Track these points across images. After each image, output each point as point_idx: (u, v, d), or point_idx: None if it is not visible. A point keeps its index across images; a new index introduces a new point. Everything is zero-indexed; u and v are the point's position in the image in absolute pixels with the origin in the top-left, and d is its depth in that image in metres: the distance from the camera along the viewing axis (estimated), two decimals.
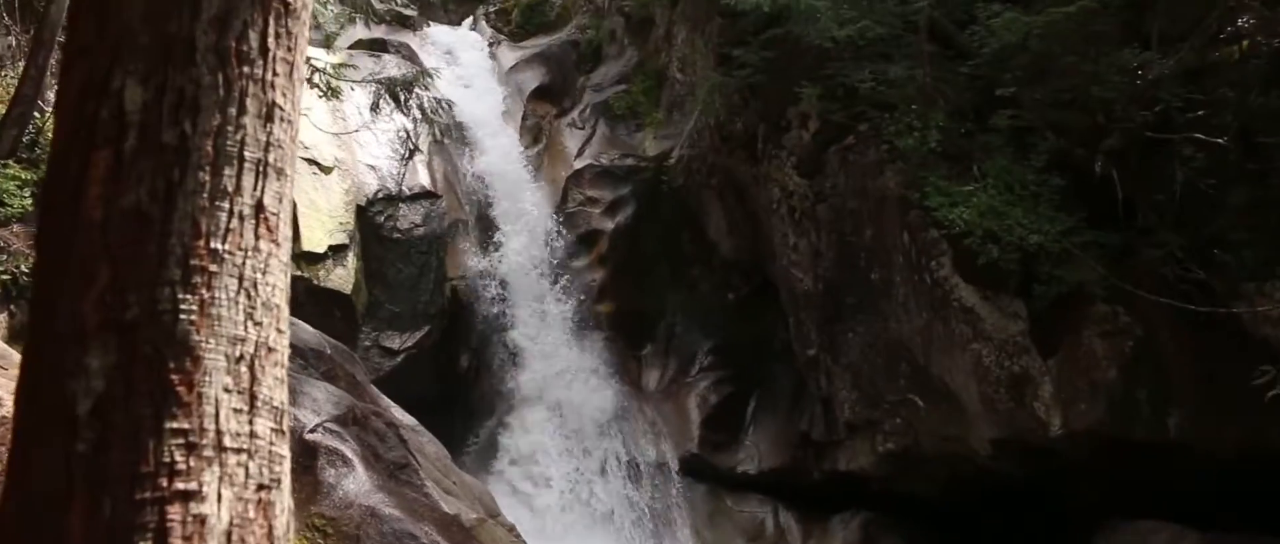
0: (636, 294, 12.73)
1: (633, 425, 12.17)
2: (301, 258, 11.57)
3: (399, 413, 8.80)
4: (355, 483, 6.80)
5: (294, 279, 11.16)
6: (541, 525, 11.27)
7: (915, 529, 10.76)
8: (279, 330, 1.58)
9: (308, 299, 11.41)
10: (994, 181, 9.03)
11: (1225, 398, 8.14)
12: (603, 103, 13.94)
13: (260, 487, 1.50)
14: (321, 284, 11.65)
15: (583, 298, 12.79)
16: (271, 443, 1.53)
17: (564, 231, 13.04)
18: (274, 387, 1.55)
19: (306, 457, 6.90)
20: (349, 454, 7.11)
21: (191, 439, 1.47)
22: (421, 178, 12.61)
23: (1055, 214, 8.75)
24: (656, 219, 12.77)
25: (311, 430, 7.11)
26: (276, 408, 1.55)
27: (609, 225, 12.90)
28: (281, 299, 1.61)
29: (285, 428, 1.57)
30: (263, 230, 1.58)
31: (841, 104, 10.33)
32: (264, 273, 1.57)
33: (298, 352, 8.16)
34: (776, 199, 11.19)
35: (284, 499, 1.53)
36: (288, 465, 1.56)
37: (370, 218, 12.21)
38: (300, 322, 8.83)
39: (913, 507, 10.60)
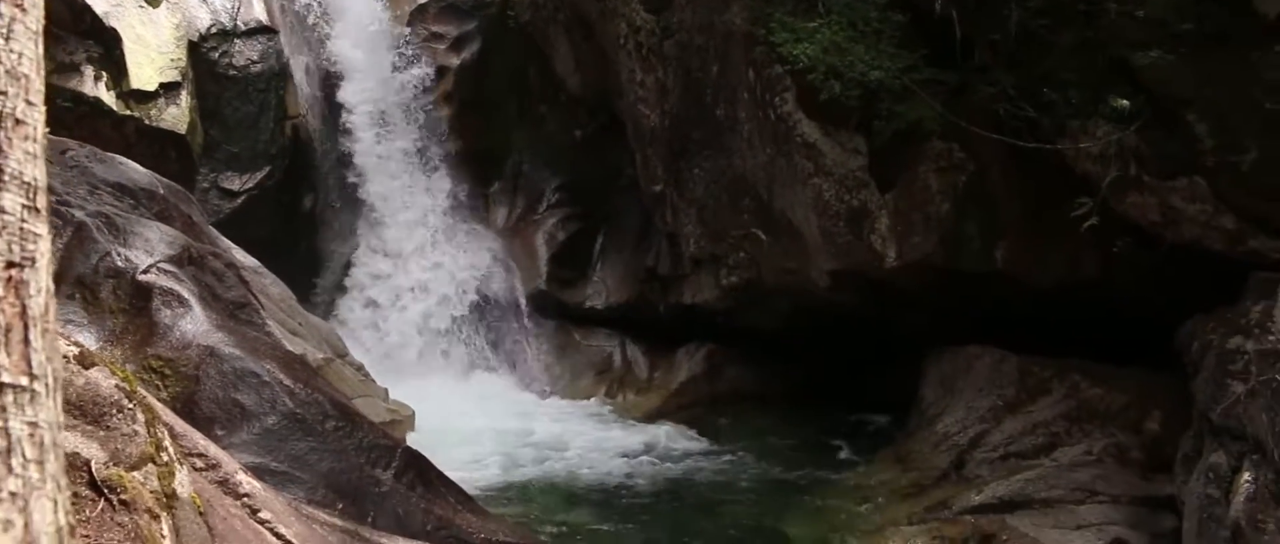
0: (483, 131, 12.58)
1: (481, 263, 12.17)
2: (131, 96, 11.11)
3: (240, 254, 8.60)
4: (193, 323, 6.61)
5: (124, 119, 10.88)
6: (391, 364, 11.28)
7: (757, 359, 11.11)
8: (29, 103, 1.48)
9: (139, 139, 11.00)
10: (838, 18, 9.07)
11: (1047, 230, 8.51)
12: None
13: (10, 264, 1.42)
14: (153, 124, 11.21)
15: (429, 136, 12.58)
16: (23, 220, 1.45)
17: (408, 68, 12.72)
18: (25, 161, 1.46)
19: (140, 298, 6.70)
20: (185, 294, 6.91)
21: None
22: (257, 11, 12.08)
23: (896, 51, 8.86)
24: (503, 55, 12.54)
25: (144, 271, 6.90)
26: (28, 183, 1.46)
27: (454, 62, 12.63)
28: (31, 69, 1.50)
29: (41, 206, 1.49)
30: None
31: None
32: (6, 39, 1.46)
33: (127, 191, 7.85)
34: (623, 34, 11.07)
35: (41, 279, 1.45)
36: (46, 245, 1.48)
37: (203, 54, 11.69)
38: (131, 161, 8.50)
39: (755, 337, 10.92)
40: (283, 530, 3.56)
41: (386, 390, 9.70)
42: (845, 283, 9.44)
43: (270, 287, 8.94)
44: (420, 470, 5.87)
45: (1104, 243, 8.12)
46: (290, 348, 7.68)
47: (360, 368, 9.76)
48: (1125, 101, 7.67)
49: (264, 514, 3.56)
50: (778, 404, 10.60)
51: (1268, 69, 7.18)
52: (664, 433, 10.18)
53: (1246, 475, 6.62)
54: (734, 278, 10.36)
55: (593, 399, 11.22)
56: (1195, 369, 7.43)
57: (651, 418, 10.66)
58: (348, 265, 12.36)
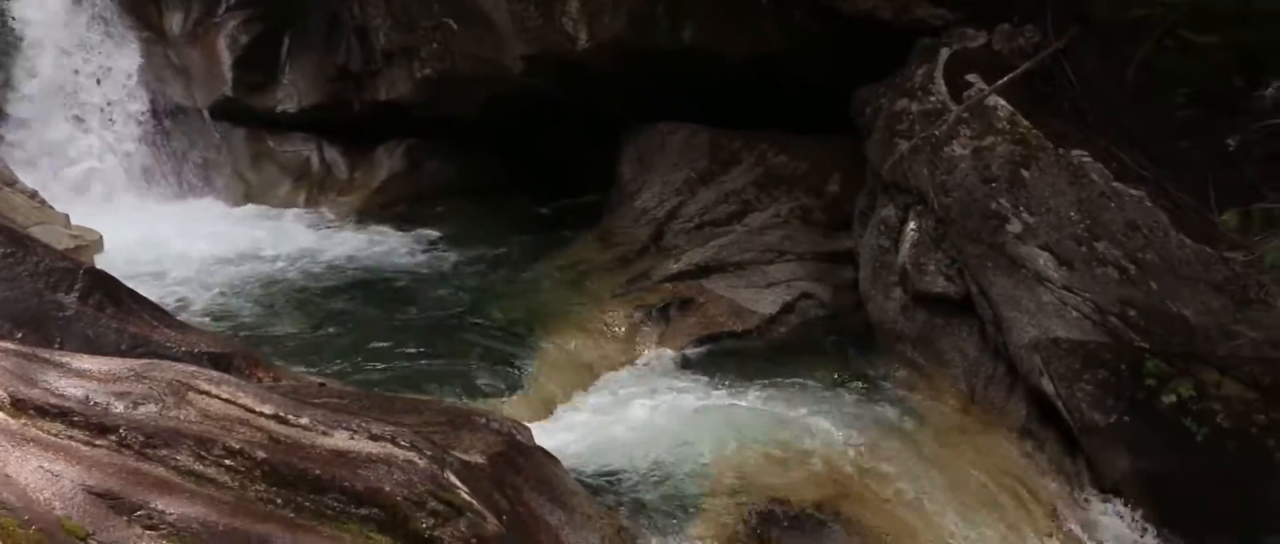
0: None
1: (158, 73, 11.36)
2: None
3: None
4: None
5: None
6: (71, 189, 10.54)
7: (459, 151, 11.06)
8: None
9: None
10: None
11: (733, 6, 8.72)
12: None
13: None
14: None
15: None
16: None
17: None
18: None
19: None
20: None
21: None
22: None
23: None
24: None
25: None
26: None
27: None
28: None
29: None
30: None
31: None
32: None
33: None
34: None
35: None
36: None
37: None
38: None
39: (455, 129, 10.82)
40: None
41: (67, 216, 9.12)
42: (540, 68, 9.44)
43: None
44: (108, 291, 5.58)
45: (786, 16, 8.44)
46: None
47: (34, 195, 9.11)
48: None
49: None
50: (483, 195, 10.63)
51: None
52: (369, 232, 10.06)
53: (911, 225, 7.25)
54: (428, 70, 10.14)
55: (293, 205, 10.90)
56: (868, 131, 7.96)
57: (355, 219, 10.47)
58: (4, 87, 11.25)
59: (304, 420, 3.94)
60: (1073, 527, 6.09)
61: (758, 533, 5.18)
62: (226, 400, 3.88)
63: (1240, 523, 6.00)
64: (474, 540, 3.78)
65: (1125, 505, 6.16)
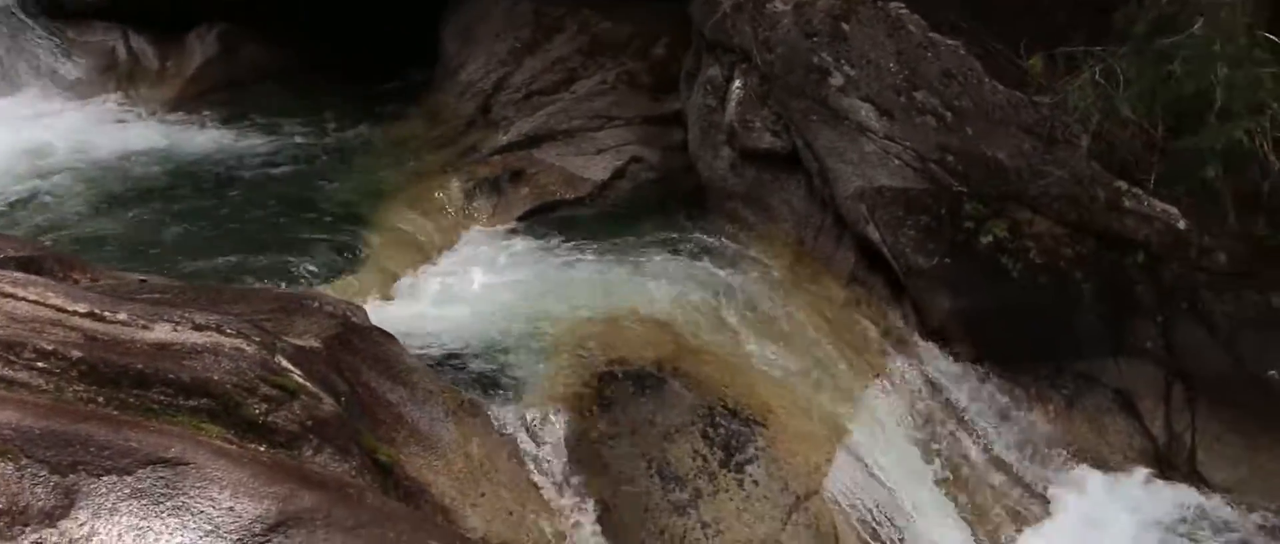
0: None
1: None
2: None
3: None
4: None
5: None
6: None
7: (278, 35, 10.53)
8: None
9: None
10: None
11: None
12: None
13: None
14: None
15: None
16: None
17: None
18: None
19: None
20: None
21: None
22: None
23: None
24: None
25: None
26: None
27: None
28: None
29: None
30: None
31: None
32: None
33: None
34: None
35: None
36: None
37: None
38: None
39: (270, 11, 10.34)
40: None
41: None
42: None
43: None
44: None
45: None
46: None
47: None
48: None
49: None
50: (304, 79, 10.18)
51: None
52: (186, 124, 9.59)
53: (737, 83, 7.31)
54: None
55: (100, 99, 10.27)
56: None
57: (170, 110, 9.93)
58: None
59: (122, 316, 3.82)
60: (901, 365, 6.38)
61: (599, 394, 5.27)
62: (35, 302, 3.72)
63: (1051, 351, 6.39)
64: (310, 422, 3.76)
65: (949, 342, 6.47)
